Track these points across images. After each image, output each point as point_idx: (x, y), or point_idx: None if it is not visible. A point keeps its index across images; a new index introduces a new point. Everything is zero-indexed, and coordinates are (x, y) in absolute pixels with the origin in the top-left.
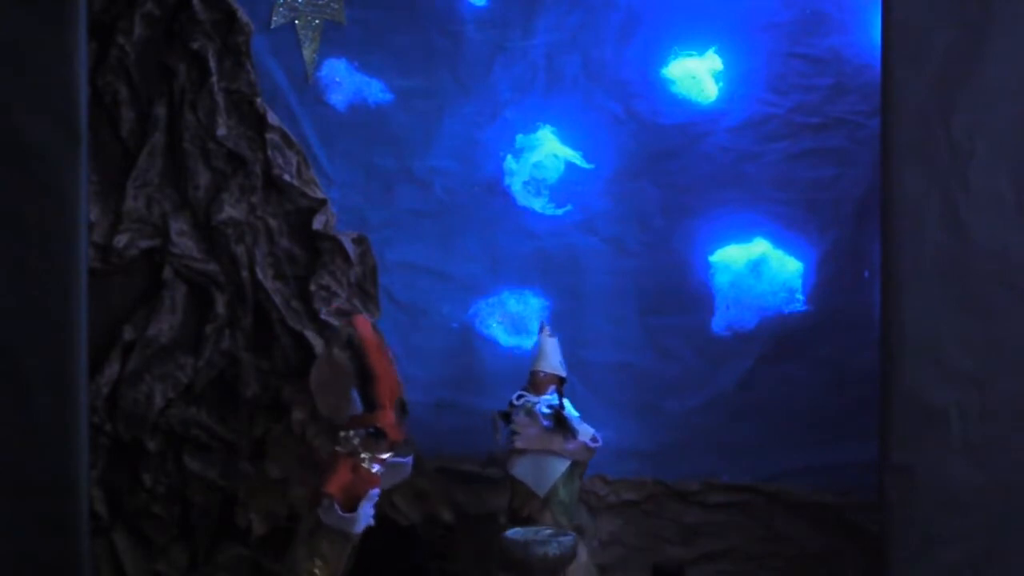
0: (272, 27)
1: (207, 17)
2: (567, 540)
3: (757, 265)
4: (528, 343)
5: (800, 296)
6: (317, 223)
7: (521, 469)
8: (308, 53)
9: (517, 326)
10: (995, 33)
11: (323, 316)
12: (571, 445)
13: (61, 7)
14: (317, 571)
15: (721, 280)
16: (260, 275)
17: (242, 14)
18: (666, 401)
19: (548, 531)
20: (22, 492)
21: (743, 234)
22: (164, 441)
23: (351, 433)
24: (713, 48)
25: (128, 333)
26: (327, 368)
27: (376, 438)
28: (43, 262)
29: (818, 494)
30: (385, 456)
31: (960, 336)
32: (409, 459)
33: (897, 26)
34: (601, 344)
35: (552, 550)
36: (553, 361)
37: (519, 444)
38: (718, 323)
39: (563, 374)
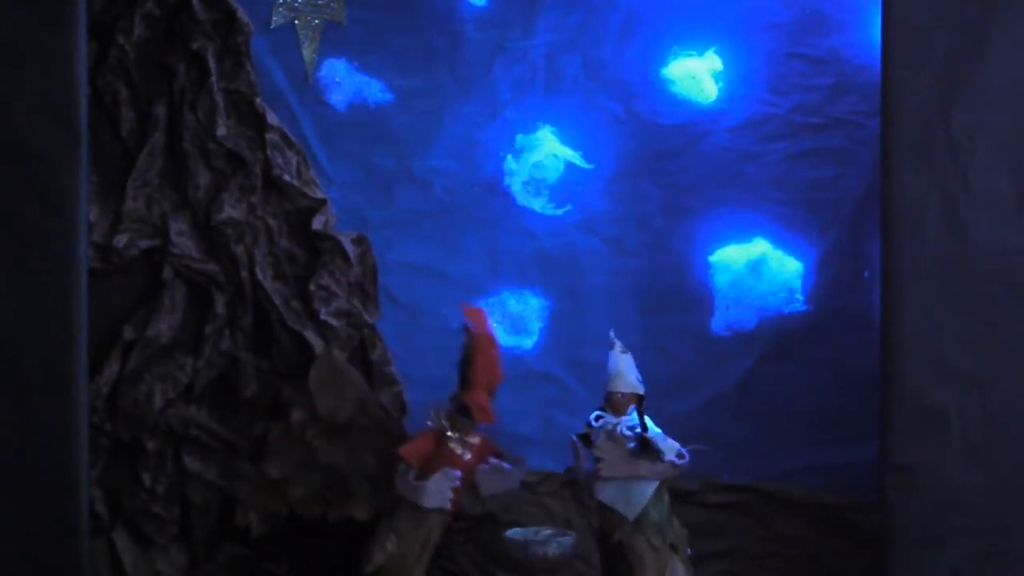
0: (272, 27)
1: (207, 17)
2: (567, 540)
3: (757, 265)
4: (527, 343)
5: (800, 296)
6: (317, 223)
7: (608, 494)
8: (308, 53)
9: (517, 326)
10: (995, 33)
11: (323, 316)
12: (659, 467)
13: (61, 7)
14: (389, 545)
15: (721, 280)
16: (260, 275)
17: (242, 14)
18: (666, 401)
19: (548, 531)
20: (22, 492)
21: (743, 234)
22: (164, 441)
23: (440, 409)
24: (713, 48)
25: (128, 333)
26: (327, 368)
27: (461, 414)
28: (43, 262)
29: (818, 494)
30: (474, 440)
31: (960, 336)
32: (518, 469)
33: (897, 26)
34: (601, 344)
35: (552, 550)
36: (630, 379)
37: (606, 473)
38: (718, 323)
39: (641, 391)
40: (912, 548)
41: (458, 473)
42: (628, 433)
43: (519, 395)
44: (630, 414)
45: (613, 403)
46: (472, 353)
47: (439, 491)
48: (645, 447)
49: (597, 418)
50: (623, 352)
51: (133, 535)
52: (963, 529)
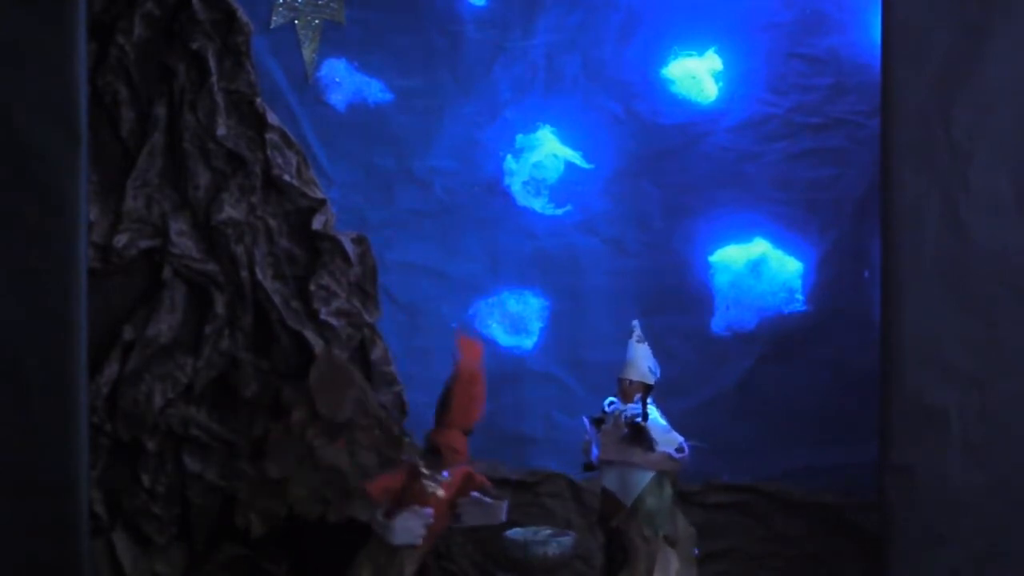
0: (272, 27)
1: (207, 17)
2: (567, 540)
3: (757, 265)
4: (527, 343)
5: (800, 296)
6: (317, 223)
7: (608, 479)
8: (308, 53)
9: (517, 326)
10: (995, 33)
11: (323, 316)
12: (652, 457)
13: (61, 7)
14: (365, 574)
15: (721, 280)
16: (260, 275)
17: (242, 14)
18: (666, 401)
19: (548, 531)
20: (22, 492)
21: (743, 234)
22: (163, 441)
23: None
24: (713, 48)
25: (128, 333)
26: (327, 368)
27: (431, 454)
28: (43, 262)
29: (818, 494)
30: (443, 476)
31: (960, 336)
32: (499, 504)
33: (897, 26)
34: (601, 344)
35: (552, 550)
36: (641, 368)
37: (601, 455)
38: (718, 323)
39: (650, 381)
40: (912, 548)
41: (429, 511)
42: (629, 419)
43: (519, 395)
44: (637, 403)
45: (622, 389)
46: (452, 388)
47: (406, 529)
48: (638, 435)
49: (610, 404)
50: (639, 341)
51: (133, 535)
52: (963, 529)
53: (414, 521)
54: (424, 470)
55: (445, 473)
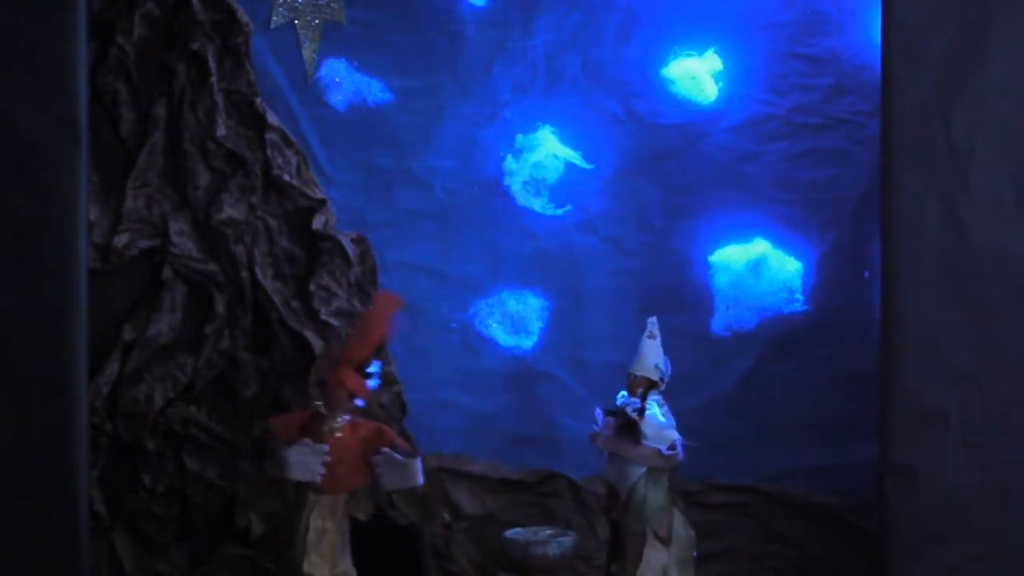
0: (272, 27)
1: (207, 17)
2: (567, 540)
3: (757, 265)
4: (527, 343)
5: (800, 296)
6: (317, 223)
7: (609, 469)
8: (308, 53)
9: (516, 326)
10: (995, 33)
11: (323, 316)
12: (641, 451)
13: (61, 7)
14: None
15: (721, 280)
16: (260, 275)
17: (242, 14)
18: (666, 401)
19: (548, 531)
20: (22, 493)
21: (743, 234)
22: (164, 441)
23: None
24: (713, 48)
25: (128, 333)
26: (327, 367)
27: (323, 390)
28: (43, 262)
29: (818, 494)
30: (347, 418)
31: (960, 336)
32: (412, 462)
33: (897, 26)
34: (601, 344)
35: (552, 550)
36: (648, 364)
37: (599, 445)
38: (718, 323)
39: (654, 378)
40: (912, 548)
41: (325, 447)
42: (629, 413)
43: (519, 395)
44: (639, 397)
45: (629, 383)
46: (354, 331)
47: (301, 463)
48: (627, 428)
49: (621, 397)
50: (650, 337)
51: (133, 535)
52: (963, 529)
53: (309, 456)
54: (323, 410)
55: (346, 417)
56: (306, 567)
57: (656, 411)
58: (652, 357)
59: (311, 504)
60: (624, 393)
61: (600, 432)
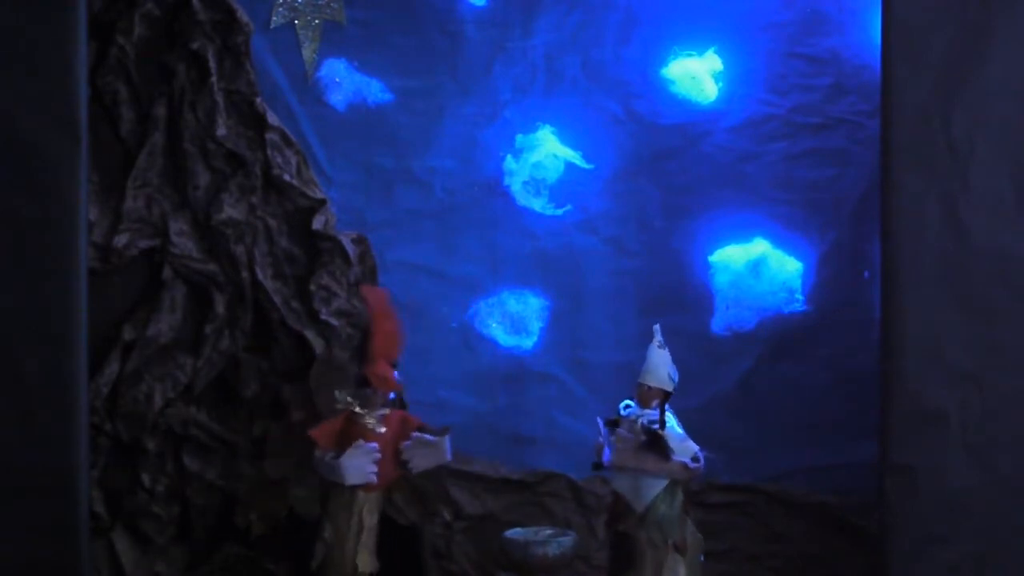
0: (272, 27)
1: (207, 17)
2: (567, 540)
3: (757, 265)
4: (527, 343)
5: (800, 296)
6: (317, 223)
7: (620, 482)
8: (308, 53)
9: (516, 326)
10: (995, 33)
11: (323, 316)
12: (667, 466)
13: (61, 7)
14: (327, 535)
15: (721, 280)
16: (260, 275)
17: (242, 14)
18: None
19: (548, 531)
20: (22, 493)
21: (743, 234)
22: (163, 441)
23: (343, 391)
24: (713, 48)
25: (128, 333)
26: (327, 368)
27: (363, 387)
28: (43, 262)
29: (818, 494)
30: (385, 412)
31: (960, 336)
32: (443, 440)
33: (897, 26)
34: (601, 344)
35: (552, 550)
36: (661, 374)
37: (616, 462)
38: (718, 323)
39: (669, 388)
40: (912, 548)
41: (374, 445)
42: (647, 426)
43: (519, 395)
44: (655, 409)
45: (640, 395)
46: (370, 327)
47: (356, 467)
48: (655, 443)
49: (626, 406)
50: (660, 347)
51: (133, 535)
52: (963, 529)
53: (362, 458)
54: (359, 410)
55: (381, 412)
56: (360, 565)
57: (674, 422)
58: (664, 367)
59: (360, 503)
60: (631, 402)
61: (608, 444)
